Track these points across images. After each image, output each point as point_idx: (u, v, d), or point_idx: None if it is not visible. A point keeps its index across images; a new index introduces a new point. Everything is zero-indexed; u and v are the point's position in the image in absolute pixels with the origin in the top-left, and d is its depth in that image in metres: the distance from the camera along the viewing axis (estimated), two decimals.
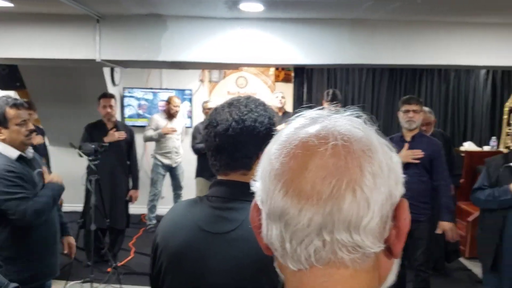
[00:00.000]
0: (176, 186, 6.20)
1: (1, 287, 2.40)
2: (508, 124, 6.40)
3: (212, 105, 5.49)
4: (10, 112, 2.45)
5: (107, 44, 4.06)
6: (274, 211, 0.57)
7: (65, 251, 2.96)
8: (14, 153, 2.47)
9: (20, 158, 2.50)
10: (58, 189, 2.66)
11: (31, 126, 2.55)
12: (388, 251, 0.60)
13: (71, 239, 2.98)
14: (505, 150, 5.78)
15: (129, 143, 4.91)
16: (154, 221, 6.16)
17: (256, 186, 0.63)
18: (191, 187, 5.76)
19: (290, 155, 0.57)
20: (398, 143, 3.83)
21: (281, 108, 5.67)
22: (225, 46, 4.01)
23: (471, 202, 3.64)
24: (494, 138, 6.54)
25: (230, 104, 1.28)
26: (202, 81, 7.01)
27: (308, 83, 7.30)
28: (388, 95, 7.71)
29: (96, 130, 4.68)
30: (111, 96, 4.74)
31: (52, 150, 5.94)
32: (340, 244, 0.55)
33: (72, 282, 4.24)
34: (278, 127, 1.14)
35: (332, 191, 0.54)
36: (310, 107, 0.66)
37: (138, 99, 6.96)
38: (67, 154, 5.62)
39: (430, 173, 3.76)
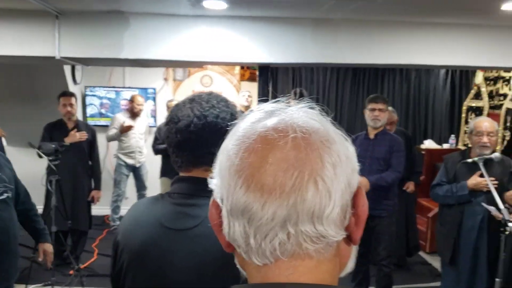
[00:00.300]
0: (140, 187, 6.12)
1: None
2: (466, 123, 6.61)
3: None
4: None
5: (67, 41, 3.96)
6: (236, 207, 0.57)
7: (40, 259, 2.85)
8: None
9: None
10: None
11: None
12: (348, 238, 0.61)
13: (47, 246, 2.86)
14: (464, 148, 5.98)
15: (91, 142, 4.82)
16: (118, 222, 6.05)
17: (214, 183, 0.62)
18: (155, 187, 5.69)
19: (249, 150, 0.57)
20: (363, 141, 3.92)
21: (247, 107, 5.68)
22: (188, 44, 3.98)
23: (431, 199, 3.75)
24: (453, 136, 6.74)
25: (192, 100, 1.27)
26: (166, 79, 6.94)
27: (274, 82, 7.32)
28: (351, 94, 7.83)
29: (56, 130, 4.56)
30: (71, 95, 4.63)
31: (10, 151, 5.74)
32: (305, 235, 0.55)
33: (32, 286, 4.12)
34: None
35: (294, 183, 0.54)
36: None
37: (100, 98, 6.82)
38: (25, 154, 5.45)
39: None
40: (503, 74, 6.05)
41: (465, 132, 6.46)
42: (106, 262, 4.89)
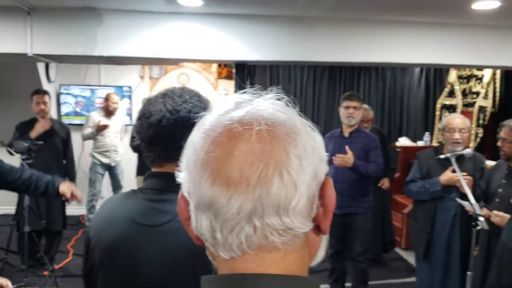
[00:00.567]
0: (116, 186, 6.05)
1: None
2: (440, 120, 6.73)
3: None
4: None
5: (39, 38, 3.89)
6: (202, 201, 0.56)
7: (71, 200, 2.73)
8: None
9: None
10: None
11: None
12: (317, 228, 0.61)
13: (67, 184, 2.71)
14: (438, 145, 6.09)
15: (65, 141, 4.75)
16: None
17: (182, 177, 0.62)
18: (131, 186, 5.53)
19: (214, 143, 0.57)
20: (338, 138, 3.94)
21: None
22: (163, 41, 3.95)
23: (406, 195, 3.80)
24: (427, 134, 6.86)
25: (164, 94, 1.25)
26: (142, 77, 6.88)
27: (251, 80, 7.34)
28: (328, 92, 7.91)
29: (29, 128, 4.47)
30: (45, 92, 4.55)
31: None
32: (271, 228, 0.55)
33: None
34: None
35: (260, 176, 0.54)
36: None
37: (75, 96, 6.72)
38: None
39: None
40: (475, 72, 6.18)
41: (439, 129, 6.58)
42: (82, 262, 4.82)
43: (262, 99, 0.62)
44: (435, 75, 7.37)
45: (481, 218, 2.80)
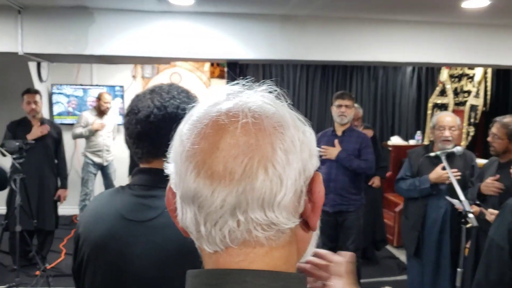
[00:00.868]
0: (108, 185, 6.02)
1: None
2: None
3: None
4: None
5: (30, 37, 3.87)
6: (187, 194, 0.56)
7: None
8: None
9: None
10: None
11: None
12: (305, 225, 0.60)
13: None
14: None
15: (57, 141, 4.74)
16: None
17: (170, 168, 0.61)
18: None
19: (201, 135, 0.56)
20: (330, 137, 3.96)
21: None
22: (155, 39, 3.95)
23: (396, 193, 3.82)
24: (419, 133, 6.89)
25: (152, 91, 1.26)
26: (134, 77, 6.86)
27: (244, 79, 7.35)
28: (321, 91, 7.94)
29: (20, 128, 4.46)
30: (36, 92, 4.53)
31: None
32: (255, 223, 0.55)
33: None
34: None
35: (244, 170, 0.53)
36: None
37: (67, 96, 6.69)
38: None
39: None
40: (467, 71, 6.22)
41: (430, 128, 6.62)
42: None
43: (253, 91, 0.61)
44: (427, 74, 7.41)
45: (471, 215, 2.82)
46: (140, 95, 1.27)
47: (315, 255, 0.91)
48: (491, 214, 2.91)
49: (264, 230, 0.55)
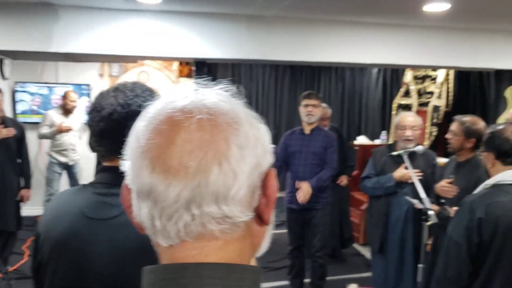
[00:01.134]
0: (74, 185, 5.89)
1: None
2: None
3: None
4: None
5: None
6: (142, 189, 0.57)
7: None
8: None
9: None
10: None
11: None
12: (259, 219, 0.61)
13: None
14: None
15: (20, 139, 4.60)
16: None
17: (125, 165, 0.61)
18: None
19: (156, 131, 0.57)
20: (298, 136, 4.02)
21: None
22: (122, 38, 3.92)
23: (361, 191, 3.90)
24: (384, 132, 7.04)
25: (116, 88, 1.26)
26: (101, 75, 6.77)
27: (212, 79, 7.31)
28: (290, 92, 8.03)
29: None
30: None
31: None
32: (209, 216, 0.56)
33: None
34: None
35: (199, 164, 0.54)
36: None
37: (31, 94, 6.54)
38: None
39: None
40: (430, 73, 6.40)
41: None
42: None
43: (208, 89, 0.62)
44: (392, 76, 7.58)
45: (431, 212, 2.91)
46: (103, 93, 1.26)
47: None
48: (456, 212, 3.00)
49: (218, 223, 0.56)
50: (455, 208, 2.99)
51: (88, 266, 1.14)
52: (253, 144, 0.59)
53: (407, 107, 6.77)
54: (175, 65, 6.96)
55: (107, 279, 1.12)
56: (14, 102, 6.45)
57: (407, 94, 6.89)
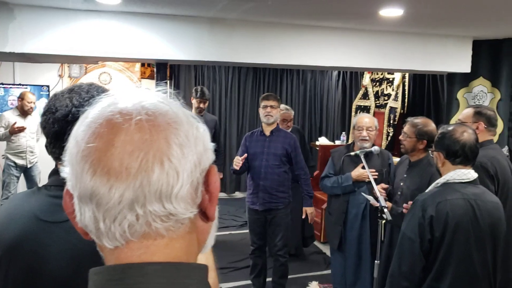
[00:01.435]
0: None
1: None
2: None
3: None
4: None
5: None
6: (84, 193, 0.57)
7: None
8: None
9: None
10: None
11: None
12: (204, 215, 0.63)
13: None
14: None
15: None
16: None
17: (66, 171, 0.61)
18: None
19: (95, 135, 0.57)
20: (259, 137, 4.07)
21: None
22: (81, 38, 3.86)
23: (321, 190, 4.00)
24: (344, 133, 7.19)
25: (71, 90, 1.25)
26: (61, 76, 6.65)
27: (176, 80, 7.33)
28: (253, 93, 8.10)
29: None
30: None
31: None
32: (154, 215, 0.56)
33: None
34: None
35: (140, 164, 0.55)
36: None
37: None
38: None
39: (286, 164, 4.04)
40: (387, 76, 6.58)
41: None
42: None
43: (147, 92, 0.63)
44: (352, 79, 7.75)
45: (385, 210, 3.02)
46: (58, 94, 1.25)
47: None
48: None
49: (163, 221, 0.57)
50: (406, 205, 3.12)
51: (43, 269, 1.13)
52: (194, 143, 0.60)
53: (365, 109, 6.94)
54: (138, 66, 6.91)
55: (62, 281, 1.12)
56: None
57: (365, 96, 7.07)
